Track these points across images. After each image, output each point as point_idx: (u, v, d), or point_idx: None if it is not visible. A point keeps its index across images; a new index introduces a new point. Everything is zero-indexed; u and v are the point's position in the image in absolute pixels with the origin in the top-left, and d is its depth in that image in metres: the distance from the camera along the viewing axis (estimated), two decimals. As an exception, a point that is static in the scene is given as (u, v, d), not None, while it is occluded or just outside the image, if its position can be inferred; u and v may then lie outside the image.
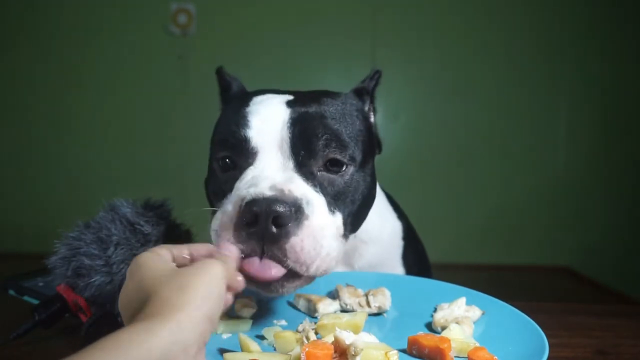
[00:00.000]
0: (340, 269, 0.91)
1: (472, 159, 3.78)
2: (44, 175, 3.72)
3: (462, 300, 0.73)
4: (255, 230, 0.62)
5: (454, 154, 3.78)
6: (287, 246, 0.62)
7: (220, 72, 0.87)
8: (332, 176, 0.71)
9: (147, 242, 0.74)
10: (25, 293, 0.82)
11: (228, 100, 0.85)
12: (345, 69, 3.64)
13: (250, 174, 0.68)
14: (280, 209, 0.61)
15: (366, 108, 0.84)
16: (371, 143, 0.82)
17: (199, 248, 0.57)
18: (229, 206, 0.65)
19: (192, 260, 0.56)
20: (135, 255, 0.54)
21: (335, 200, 0.71)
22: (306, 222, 0.64)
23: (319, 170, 0.71)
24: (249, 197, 0.63)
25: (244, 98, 0.77)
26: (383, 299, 0.75)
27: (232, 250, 0.60)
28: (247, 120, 0.71)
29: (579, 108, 3.71)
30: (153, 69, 3.66)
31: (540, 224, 3.80)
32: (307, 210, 0.65)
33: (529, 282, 3.44)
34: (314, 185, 0.69)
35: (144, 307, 0.46)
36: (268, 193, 0.63)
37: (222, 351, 0.61)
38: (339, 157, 0.71)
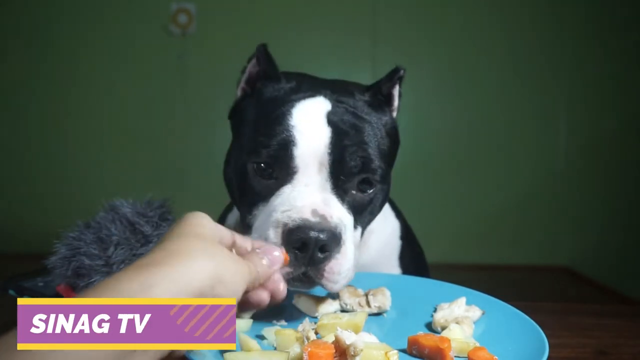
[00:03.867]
0: None
1: (472, 158, 3.78)
2: (44, 175, 3.72)
3: (462, 300, 0.73)
4: (303, 255, 0.66)
5: (454, 154, 3.78)
6: (327, 268, 0.67)
7: (264, 50, 0.84)
8: (361, 195, 0.74)
9: (147, 242, 0.74)
10: (25, 293, 0.82)
11: (263, 88, 0.81)
12: (345, 69, 3.64)
13: (287, 191, 0.70)
14: (326, 237, 0.66)
15: (387, 117, 0.84)
16: (395, 152, 0.84)
17: (257, 245, 0.61)
18: (270, 231, 0.68)
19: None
20: (135, 255, 0.54)
21: (358, 216, 0.75)
22: (343, 247, 0.69)
23: (352, 190, 0.74)
24: (292, 224, 0.66)
25: (287, 100, 0.75)
26: (383, 299, 0.75)
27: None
28: (292, 135, 0.71)
29: (579, 108, 3.71)
30: (153, 68, 3.66)
31: (540, 224, 3.80)
32: (344, 236, 0.69)
33: (529, 282, 3.43)
34: (347, 207, 0.73)
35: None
36: (312, 220, 0.66)
37: (222, 351, 0.61)
38: (370, 178, 0.74)
